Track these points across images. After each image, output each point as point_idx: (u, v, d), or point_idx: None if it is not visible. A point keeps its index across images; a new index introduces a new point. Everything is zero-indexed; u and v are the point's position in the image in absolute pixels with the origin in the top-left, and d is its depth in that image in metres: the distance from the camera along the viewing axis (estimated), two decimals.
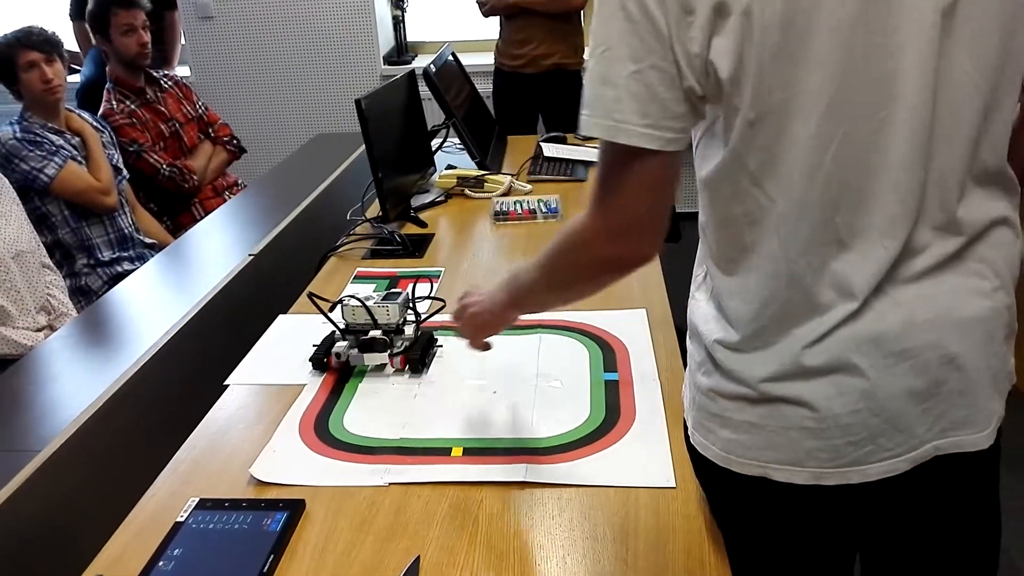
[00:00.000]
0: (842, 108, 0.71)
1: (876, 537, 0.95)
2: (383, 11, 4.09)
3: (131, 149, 2.65)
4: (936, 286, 0.78)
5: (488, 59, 3.47)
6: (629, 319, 1.47)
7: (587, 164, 2.41)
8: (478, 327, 1.11)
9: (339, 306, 1.38)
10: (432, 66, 2.28)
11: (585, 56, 0.79)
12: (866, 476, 0.81)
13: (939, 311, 0.78)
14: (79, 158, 2.33)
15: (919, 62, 0.70)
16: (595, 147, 2.61)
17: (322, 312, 1.39)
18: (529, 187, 2.22)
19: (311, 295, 1.44)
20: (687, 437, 0.93)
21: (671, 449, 1.10)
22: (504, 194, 2.17)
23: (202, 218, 2.30)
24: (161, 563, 0.95)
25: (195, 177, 2.79)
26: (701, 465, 0.92)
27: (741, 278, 0.81)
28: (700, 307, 0.89)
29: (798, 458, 0.82)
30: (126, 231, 2.45)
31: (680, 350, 1.36)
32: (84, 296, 2.28)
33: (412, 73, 2.31)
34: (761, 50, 0.69)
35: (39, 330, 1.93)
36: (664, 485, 1.04)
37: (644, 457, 1.09)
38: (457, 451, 1.13)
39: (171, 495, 1.09)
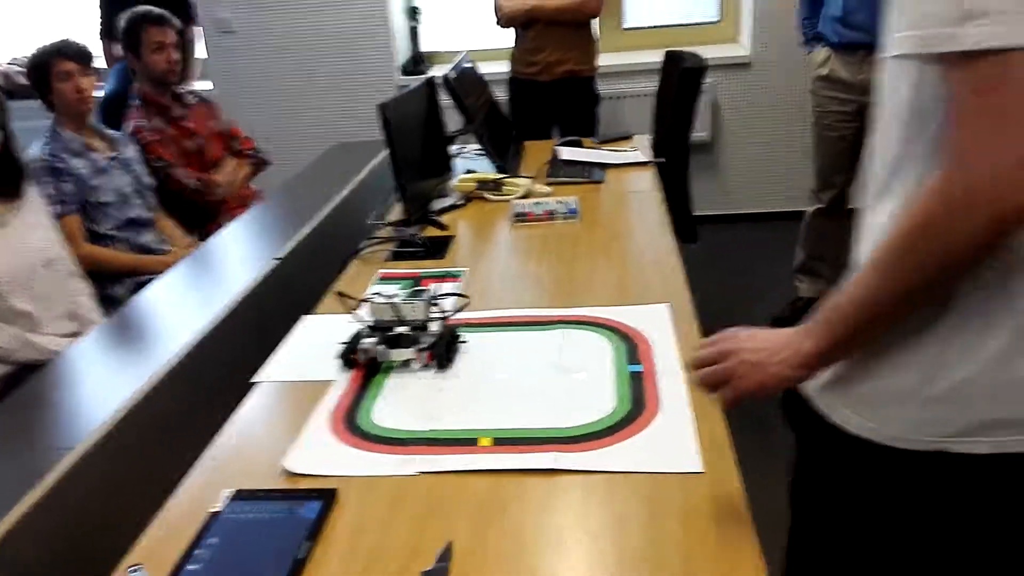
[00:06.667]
0: None
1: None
2: (399, 22, 4.13)
3: (158, 165, 2.70)
4: None
5: (502, 67, 3.50)
6: (652, 314, 1.48)
7: (604, 166, 2.43)
8: (756, 381, 0.89)
9: (365, 304, 1.39)
10: (451, 73, 2.31)
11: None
12: None
13: None
14: (90, 197, 2.38)
15: None
16: (612, 149, 2.64)
17: (349, 310, 1.41)
18: (548, 189, 2.24)
19: (340, 293, 1.46)
20: (803, 416, 0.91)
21: (698, 436, 1.11)
22: (523, 197, 2.18)
23: None
24: (199, 551, 0.97)
25: (221, 190, 2.83)
26: (833, 443, 0.88)
27: None
28: None
29: (984, 429, 0.80)
30: (148, 244, 2.50)
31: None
32: (111, 304, 2.31)
33: (431, 80, 2.34)
34: None
35: (67, 336, 1.96)
36: (692, 470, 1.05)
37: (671, 444, 1.10)
38: (485, 441, 1.15)
39: (205, 488, 1.10)
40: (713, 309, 1.94)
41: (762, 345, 0.89)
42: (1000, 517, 0.88)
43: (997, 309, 0.78)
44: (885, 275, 0.78)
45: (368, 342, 1.35)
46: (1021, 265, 0.76)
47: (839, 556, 0.91)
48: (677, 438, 1.11)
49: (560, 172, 2.37)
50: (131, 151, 2.59)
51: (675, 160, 2.82)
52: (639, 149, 2.64)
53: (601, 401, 1.22)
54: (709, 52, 2.97)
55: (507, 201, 2.16)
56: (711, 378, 0.92)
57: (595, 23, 3.41)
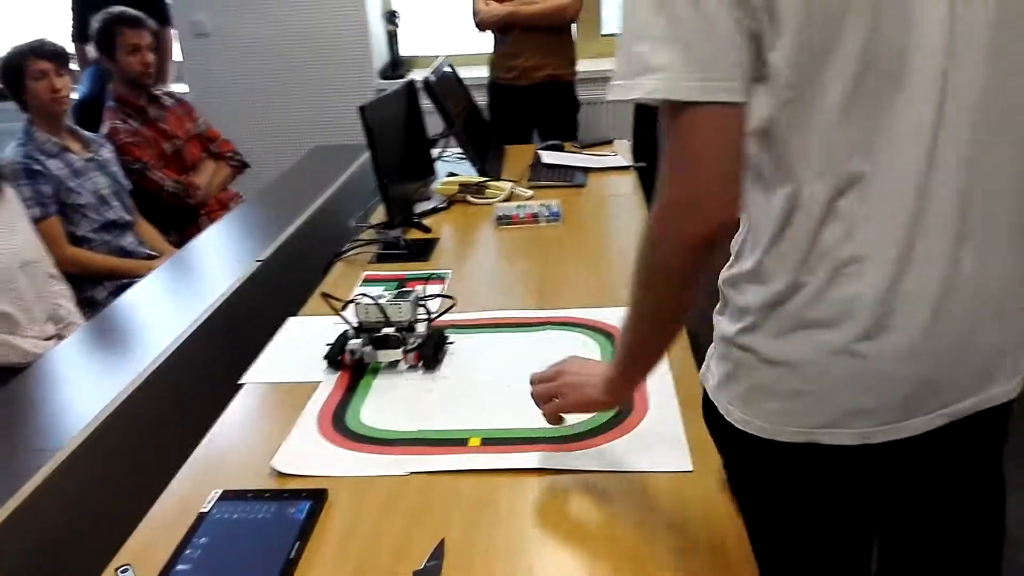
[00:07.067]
0: None
1: (906, 499, 0.98)
2: (377, 26, 4.13)
3: (135, 167, 2.67)
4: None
5: (480, 72, 3.51)
6: None
7: (585, 170, 2.44)
8: (574, 400, 1.03)
9: (351, 305, 1.39)
10: (431, 76, 2.32)
11: (620, 29, 0.78)
12: (914, 430, 0.84)
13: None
14: (70, 197, 2.36)
15: None
16: (593, 154, 2.66)
17: (336, 311, 1.41)
18: (530, 193, 2.25)
19: (325, 295, 1.46)
20: (714, 418, 0.94)
21: (686, 435, 1.12)
22: (506, 200, 2.19)
23: None
24: (188, 551, 0.96)
25: (200, 192, 2.81)
26: (733, 441, 0.92)
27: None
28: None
29: (848, 419, 0.84)
30: (128, 246, 2.48)
31: (690, 344, 1.38)
32: (90, 307, 2.29)
33: (411, 83, 2.34)
34: None
35: (48, 339, 1.94)
36: (681, 469, 1.06)
37: (660, 443, 1.11)
38: (475, 441, 1.15)
39: (193, 488, 1.10)
40: (694, 311, 1.98)
41: (584, 370, 1.02)
42: (874, 508, 0.94)
43: (827, 314, 0.82)
44: (633, 300, 0.88)
45: (355, 343, 1.35)
46: (842, 269, 0.80)
47: (759, 547, 0.95)
48: (666, 437, 1.12)
49: (542, 176, 2.39)
50: (107, 152, 2.56)
51: (655, 165, 2.84)
52: (620, 154, 2.65)
53: None
54: None
55: (490, 204, 2.17)
56: (539, 394, 1.06)
57: (574, 28, 3.43)
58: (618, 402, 1.00)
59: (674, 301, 0.85)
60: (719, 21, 0.73)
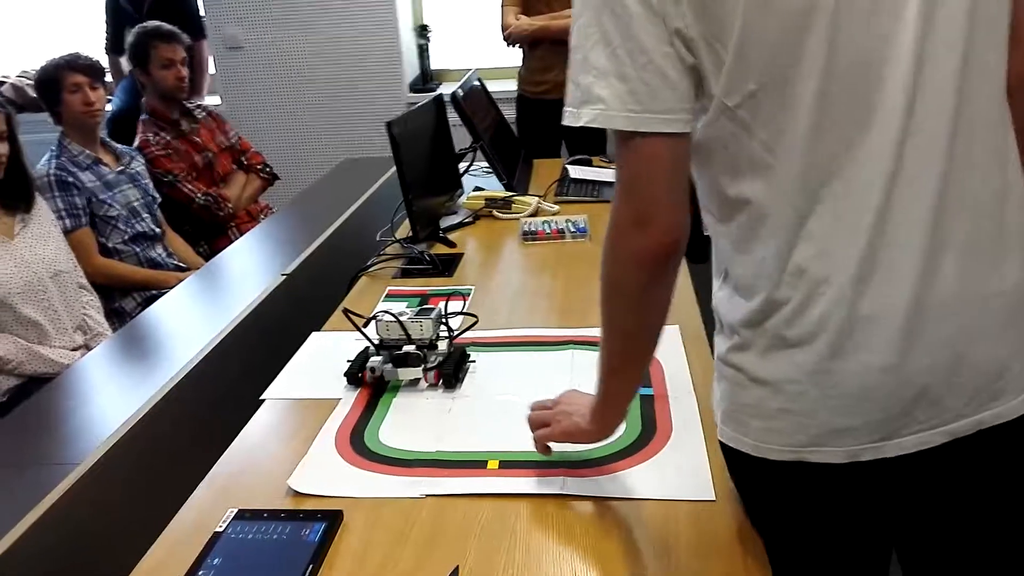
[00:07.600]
0: None
1: (919, 519, 0.95)
2: (408, 40, 4.15)
3: (166, 179, 2.70)
4: None
5: (510, 86, 3.51)
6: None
7: (613, 185, 2.42)
8: (561, 428, 1.06)
9: (373, 322, 1.39)
10: (460, 91, 2.32)
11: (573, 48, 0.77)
12: (902, 449, 0.82)
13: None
14: (102, 209, 2.39)
15: None
16: None
17: (357, 327, 1.40)
18: (556, 208, 2.23)
19: (346, 311, 1.45)
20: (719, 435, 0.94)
21: (709, 462, 1.09)
22: (532, 215, 2.18)
23: None
24: (201, 572, 0.95)
25: (230, 205, 2.84)
26: (734, 460, 0.92)
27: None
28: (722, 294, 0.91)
29: (832, 437, 0.82)
30: (157, 258, 2.50)
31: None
32: (118, 317, 2.31)
33: (439, 98, 2.34)
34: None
35: (75, 349, 1.96)
36: (704, 498, 1.03)
37: (682, 470, 1.09)
38: (493, 464, 1.13)
39: (209, 506, 1.09)
40: None
41: (576, 400, 1.07)
42: (888, 526, 0.92)
43: (802, 333, 0.82)
44: (602, 325, 0.92)
45: (375, 360, 1.34)
46: (817, 287, 0.80)
47: (777, 569, 0.94)
48: (689, 464, 1.10)
49: (569, 191, 2.37)
50: (139, 165, 2.59)
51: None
52: None
53: None
54: None
55: (516, 219, 2.16)
56: (534, 420, 1.10)
57: None
58: (604, 432, 1.03)
59: (634, 315, 0.89)
60: (655, 56, 0.76)
